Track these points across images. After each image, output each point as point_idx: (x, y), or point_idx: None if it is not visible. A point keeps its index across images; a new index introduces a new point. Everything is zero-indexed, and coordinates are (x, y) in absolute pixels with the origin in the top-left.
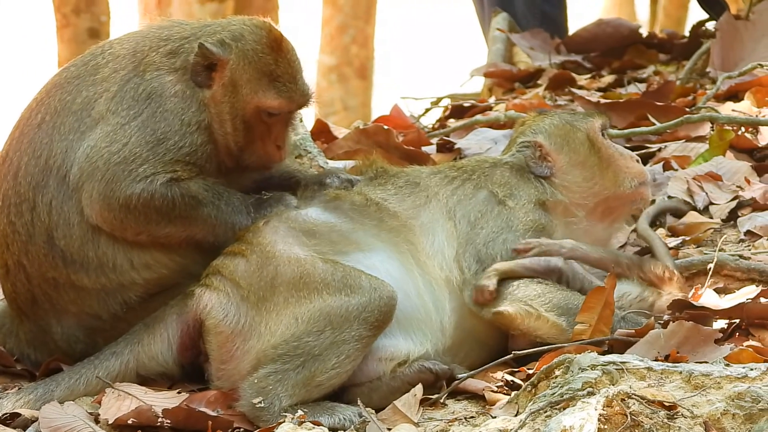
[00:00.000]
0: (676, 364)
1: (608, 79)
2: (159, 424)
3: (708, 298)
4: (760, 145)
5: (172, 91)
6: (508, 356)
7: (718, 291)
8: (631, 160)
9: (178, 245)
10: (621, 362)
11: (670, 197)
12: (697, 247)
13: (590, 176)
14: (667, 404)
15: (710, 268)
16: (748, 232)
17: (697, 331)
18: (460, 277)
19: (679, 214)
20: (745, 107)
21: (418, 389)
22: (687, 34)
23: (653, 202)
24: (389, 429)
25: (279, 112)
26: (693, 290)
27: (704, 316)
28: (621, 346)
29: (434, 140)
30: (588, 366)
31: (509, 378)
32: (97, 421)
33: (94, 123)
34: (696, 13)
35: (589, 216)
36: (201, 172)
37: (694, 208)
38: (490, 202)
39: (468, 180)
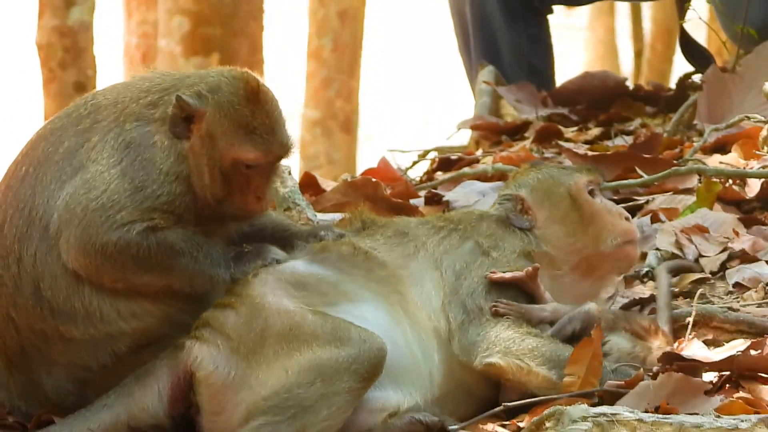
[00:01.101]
0: (667, 416)
1: (595, 131)
2: None
3: (697, 349)
4: (747, 197)
5: (151, 141)
6: (499, 408)
7: (707, 343)
8: (619, 218)
9: (159, 294)
10: (611, 414)
11: (658, 249)
12: (685, 299)
13: (571, 232)
14: None
15: (689, 321)
16: (737, 284)
17: (687, 382)
18: (447, 327)
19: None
20: (733, 159)
21: None
22: (673, 86)
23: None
24: None
25: (256, 164)
26: (678, 342)
27: (694, 367)
28: (611, 397)
29: (422, 193)
30: (579, 418)
31: (500, 430)
32: None
33: (75, 172)
34: (681, 66)
35: (573, 271)
36: (180, 222)
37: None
38: (475, 253)
39: (454, 231)
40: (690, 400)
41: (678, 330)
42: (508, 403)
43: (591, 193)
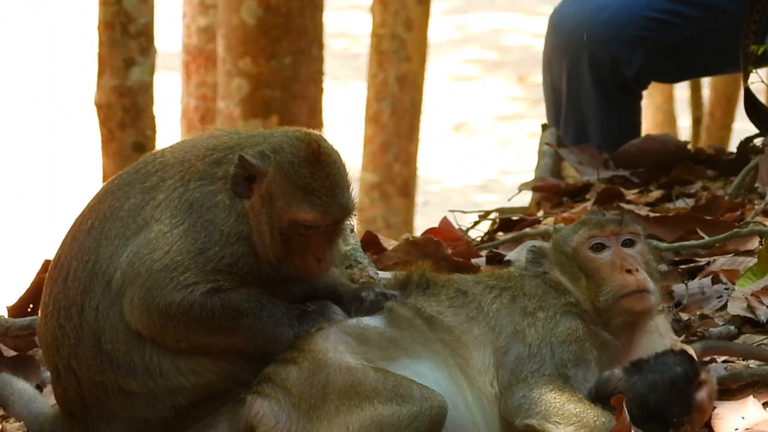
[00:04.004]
0: None
1: (656, 193)
2: None
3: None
4: None
5: (214, 202)
6: None
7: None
8: (619, 272)
9: (222, 353)
10: None
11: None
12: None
13: (578, 288)
14: None
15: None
16: None
17: None
18: (499, 388)
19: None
20: None
21: None
22: (734, 150)
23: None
24: None
25: (314, 225)
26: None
27: None
28: None
29: (483, 252)
30: None
31: None
32: None
33: (139, 229)
34: (739, 134)
35: (602, 327)
36: (244, 283)
37: (756, 323)
38: (522, 314)
39: (505, 290)
40: None
41: (738, 390)
42: None
43: (596, 247)
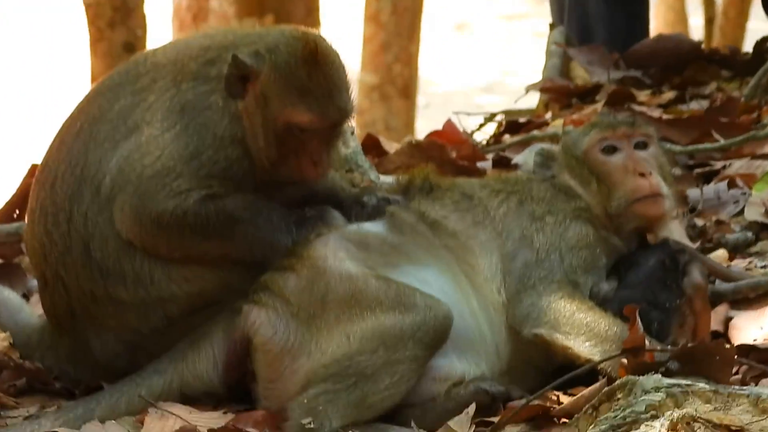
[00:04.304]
0: (743, 387)
1: (669, 95)
2: None
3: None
4: None
5: (206, 103)
6: (564, 378)
7: None
8: (632, 175)
9: (217, 261)
10: (686, 384)
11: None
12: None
13: (589, 192)
14: (734, 428)
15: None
16: None
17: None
18: (506, 295)
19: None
20: None
21: (472, 408)
22: (749, 50)
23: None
24: None
25: (310, 127)
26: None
27: None
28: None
29: (489, 156)
30: (652, 388)
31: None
32: None
33: (129, 132)
34: (754, 34)
35: (613, 233)
36: (238, 188)
37: None
38: (530, 219)
39: (512, 193)
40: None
41: (756, 300)
42: (565, 376)
43: (608, 150)
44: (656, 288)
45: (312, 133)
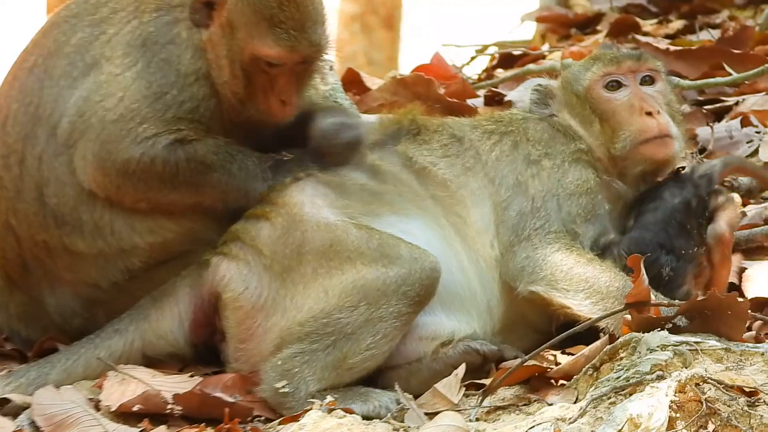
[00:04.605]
0: (758, 345)
1: (677, 24)
2: (168, 411)
3: None
4: None
5: (169, 37)
6: (561, 337)
7: None
8: (638, 114)
9: (186, 211)
10: (695, 342)
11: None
12: None
13: (590, 132)
14: (747, 390)
15: None
16: None
17: None
18: (499, 249)
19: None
20: None
21: (461, 369)
22: None
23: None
24: (430, 416)
25: (278, 62)
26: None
27: None
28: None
29: (481, 92)
30: (657, 346)
31: (564, 359)
32: (97, 408)
33: (88, 69)
34: None
35: (612, 176)
36: (209, 131)
37: None
38: (525, 163)
39: (506, 135)
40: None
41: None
42: (562, 335)
43: (611, 86)
44: (674, 231)
45: (281, 68)
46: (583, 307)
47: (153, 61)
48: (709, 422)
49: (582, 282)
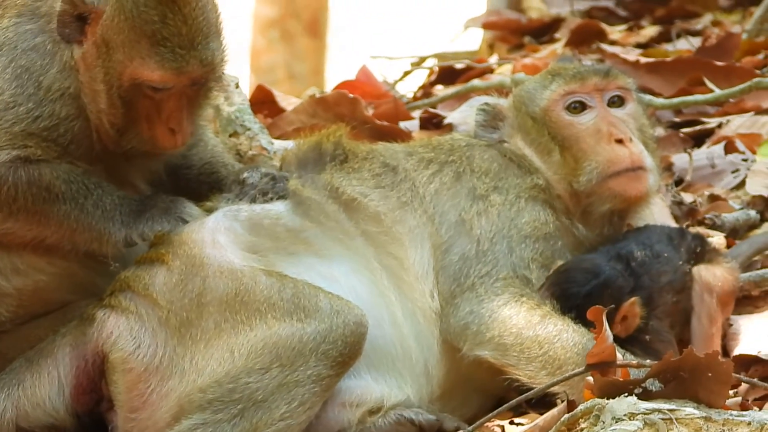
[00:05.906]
0: (743, 413)
1: (650, 31)
2: None
3: None
4: None
5: (31, 44)
6: (512, 402)
7: None
8: (606, 141)
9: (54, 249)
10: (669, 410)
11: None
12: None
13: (548, 162)
14: None
15: None
16: None
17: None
18: (439, 300)
19: None
20: None
21: None
22: None
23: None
24: None
25: (163, 86)
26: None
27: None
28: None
29: (416, 113)
30: (625, 415)
31: (512, 430)
32: None
33: None
34: None
35: (574, 216)
36: (65, 155)
37: None
38: (469, 198)
39: (446, 164)
40: None
41: (761, 297)
42: (511, 402)
43: (574, 107)
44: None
45: (168, 92)
46: (538, 379)
47: (10, 67)
48: None
49: (535, 347)
